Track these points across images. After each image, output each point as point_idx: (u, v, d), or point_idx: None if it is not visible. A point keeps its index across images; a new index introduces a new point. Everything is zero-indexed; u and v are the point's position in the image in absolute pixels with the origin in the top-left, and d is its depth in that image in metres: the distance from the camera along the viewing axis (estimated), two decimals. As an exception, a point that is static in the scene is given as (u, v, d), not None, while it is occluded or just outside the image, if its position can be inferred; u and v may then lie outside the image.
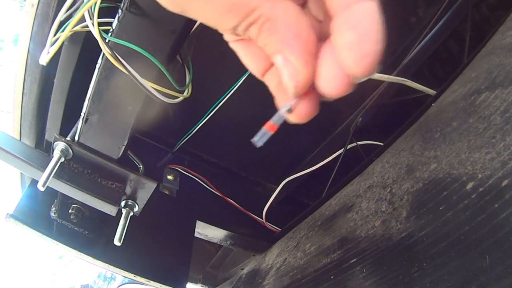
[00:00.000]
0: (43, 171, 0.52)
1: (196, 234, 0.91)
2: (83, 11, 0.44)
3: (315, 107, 0.29)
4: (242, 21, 0.25)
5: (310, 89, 0.27)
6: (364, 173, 0.71)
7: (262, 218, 1.01)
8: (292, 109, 0.28)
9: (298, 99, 0.28)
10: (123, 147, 0.57)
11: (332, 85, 0.26)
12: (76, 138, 0.57)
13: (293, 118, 0.29)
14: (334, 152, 0.97)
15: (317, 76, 0.26)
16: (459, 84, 0.64)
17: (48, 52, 0.54)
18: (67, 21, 0.53)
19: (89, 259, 0.69)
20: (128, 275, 0.72)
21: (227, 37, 0.30)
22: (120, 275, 0.75)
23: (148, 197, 0.61)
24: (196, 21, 0.46)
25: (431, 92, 0.81)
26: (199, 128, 0.90)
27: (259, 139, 0.29)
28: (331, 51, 0.25)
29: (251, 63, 0.31)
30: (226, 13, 0.25)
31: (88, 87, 0.52)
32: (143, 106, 0.52)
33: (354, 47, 0.23)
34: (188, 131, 0.93)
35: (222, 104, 0.85)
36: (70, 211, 0.65)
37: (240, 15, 0.25)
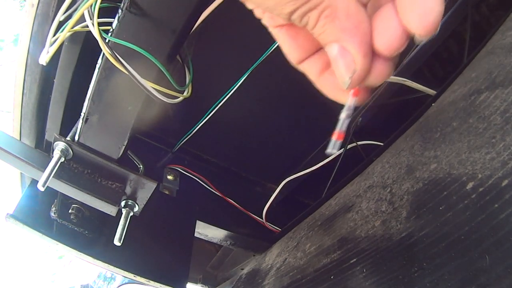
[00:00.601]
0: (43, 171, 0.52)
1: (196, 234, 0.91)
2: (81, 11, 0.44)
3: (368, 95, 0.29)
4: (301, 6, 0.25)
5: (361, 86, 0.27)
6: (364, 173, 0.71)
7: (262, 218, 1.01)
8: (350, 112, 0.28)
9: (354, 100, 0.28)
10: (123, 147, 0.57)
11: (389, 40, 0.25)
12: (76, 138, 0.56)
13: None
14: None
15: (374, 33, 0.26)
16: (459, 84, 0.64)
17: (48, 52, 0.54)
18: (66, 21, 0.53)
19: (89, 259, 0.69)
20: (128, 275, 0.72)
21: (267, 21, 0.30)
22: (120, 275, 0.75)
23: (148, 197, 0.61)
24: (196, 21, 0.46)
25: (431, 92, 0.81)
26: (199, 128, 0.90)
27: (332, 149, 0.29)
28: (390, 9, 0.25)
29: (292, 49, 0.30)
30: None
31: (88, 87, 0.52)
32: (143, 106, 0.52)
33: (419, 4, 0.23)
34: (188, 131, 0.93)
35: (222, 104, 0.84)
36: (70, 211, 0.65)
37: (300, 0, 0.24)
